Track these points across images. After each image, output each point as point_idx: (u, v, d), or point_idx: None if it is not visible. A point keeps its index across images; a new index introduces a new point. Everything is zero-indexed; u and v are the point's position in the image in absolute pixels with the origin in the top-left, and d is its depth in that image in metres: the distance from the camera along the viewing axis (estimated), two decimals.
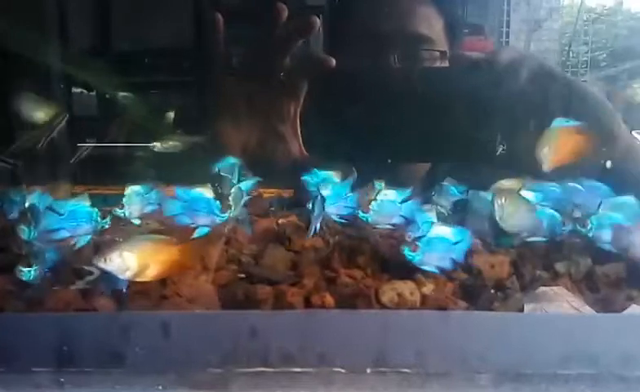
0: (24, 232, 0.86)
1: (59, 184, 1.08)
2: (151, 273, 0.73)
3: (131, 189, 0.97)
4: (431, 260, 0.78)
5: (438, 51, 1.24)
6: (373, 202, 0.88)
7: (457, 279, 0.79)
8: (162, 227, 0.97)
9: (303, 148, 1.21)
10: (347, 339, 0.70)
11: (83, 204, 0.87)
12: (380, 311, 0.71)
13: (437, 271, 0.78)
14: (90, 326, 0.69)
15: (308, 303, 0.72)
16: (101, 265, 0.72)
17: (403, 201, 0.88)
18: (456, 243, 0.79)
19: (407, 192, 0.89)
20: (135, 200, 0.97)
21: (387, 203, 0.88)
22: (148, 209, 0.96)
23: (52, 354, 0.68)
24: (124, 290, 0.74)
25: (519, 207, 0.86)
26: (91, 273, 0.81)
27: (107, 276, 0.74)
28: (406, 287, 0.72)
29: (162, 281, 0.76)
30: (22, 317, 0.71)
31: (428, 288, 0.75)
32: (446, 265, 0.78)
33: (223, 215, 0.87)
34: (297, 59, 1.15)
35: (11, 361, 0.68)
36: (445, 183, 1.02)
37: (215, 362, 0.69)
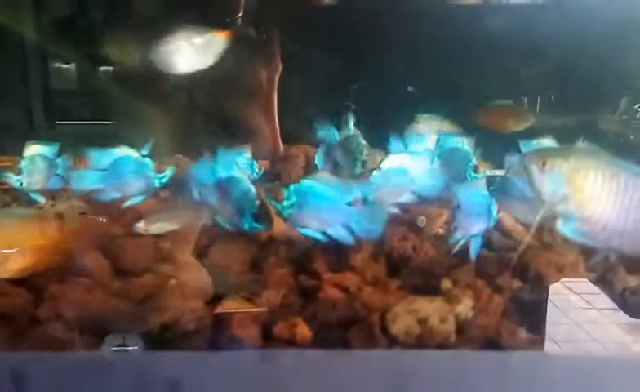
0: None
1: None
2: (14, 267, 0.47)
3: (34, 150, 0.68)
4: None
5: None
6: (375, 171, 0.59)
7: (507, 289, 0.50)
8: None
9: (279, 139, 0.92)
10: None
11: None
12: (394, 352, 0.42)
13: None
14: None
15: (269, 337, 0.42)
16: None
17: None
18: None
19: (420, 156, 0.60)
20: (38, 165, 0.68)
21: (394, 173, 0.59)
22: (53, 182, 0.68)
23: None
24: None
25: None
26: None
27: None
28: (432, 309, 0.43)
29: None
30: None
31: (466, 308, 0.46)
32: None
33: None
34: None
35: None
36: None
37: None
